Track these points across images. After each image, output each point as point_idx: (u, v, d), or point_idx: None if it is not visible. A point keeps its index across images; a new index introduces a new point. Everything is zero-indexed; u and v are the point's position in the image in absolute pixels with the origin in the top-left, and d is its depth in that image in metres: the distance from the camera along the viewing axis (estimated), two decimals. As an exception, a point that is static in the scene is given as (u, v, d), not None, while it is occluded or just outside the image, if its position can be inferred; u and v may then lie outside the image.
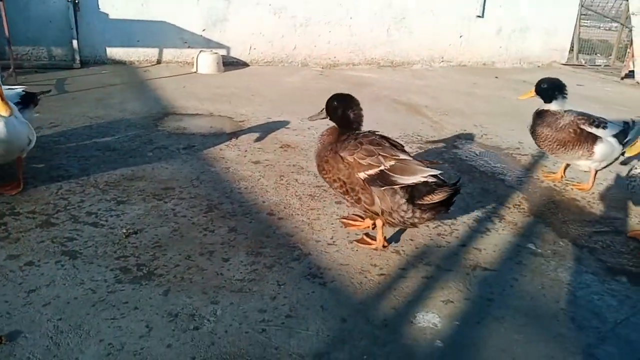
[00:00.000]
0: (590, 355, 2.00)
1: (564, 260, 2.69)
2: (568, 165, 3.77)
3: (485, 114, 5.75)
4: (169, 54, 7.40)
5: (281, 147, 4.18)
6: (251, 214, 2.97)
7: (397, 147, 2.56)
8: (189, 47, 7.40)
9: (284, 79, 7.04)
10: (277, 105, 5.50)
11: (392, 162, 2.40)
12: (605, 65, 10.25)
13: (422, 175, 2.35)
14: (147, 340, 1.91)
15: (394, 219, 2.48)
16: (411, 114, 5.57)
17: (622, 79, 8.65)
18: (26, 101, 3.23)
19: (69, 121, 4.43)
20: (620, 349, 2.04)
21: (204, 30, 7.43)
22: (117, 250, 2.50)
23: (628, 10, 8.85)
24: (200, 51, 7.13)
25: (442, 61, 9.14)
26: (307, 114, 3.24)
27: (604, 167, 3.55)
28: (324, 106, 2.77)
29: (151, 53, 7.31)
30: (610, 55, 10.68)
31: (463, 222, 3.04)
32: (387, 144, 2.52)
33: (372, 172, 2.42)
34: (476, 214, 3.17)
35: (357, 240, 2.73)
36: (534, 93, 3.60)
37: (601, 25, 12.15)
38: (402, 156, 2.45)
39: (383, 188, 2.42)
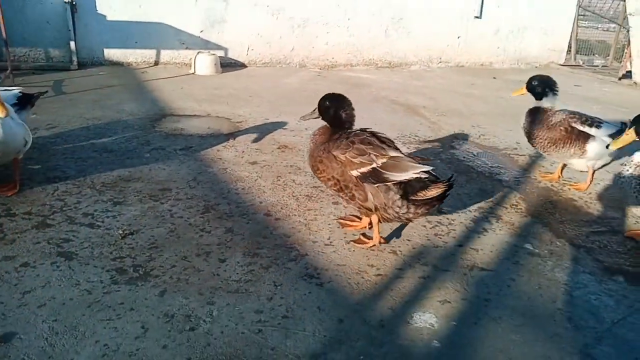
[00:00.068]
0: (587, 355, 1.99)
1: (561, 260, 2.69)
2: (565, 165, 3.77)
3: (483, 115, 5.75)
4: (166, 55, 7.40)
5: (278, 148, 4.18)
6: (248, 214, 2.97)
7: (388, 143, 2.61)
8: (186, 48, 7.40)
9: (282, 80, 7.04)
10: (275, 106, 5.50)
11: (384, 160, 2.45)
12: (603, 66, 10.27)
13: (414, 171, 2.40)
14: (143, 341, 1.91)
15: (389, 215, 2.53)
16: (409, 114, 5.57)
17: (620, 79, 8.66)
18: (23, 102, 3.22)
19: (66, 122, 4.43)
20: (617, 348, 2.04)
21: (201, 31, 7.43)
22: (113, 251, 2.49)
23: (625, 11, 8.86)
24: (198, 52, 7.13)
25: (440, 62, 9.15)
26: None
27: (602, 167, 3.55)
28: (316, 106, 2.80)
29: (149, 54, 7.31)
30: (608, 55, 10.70)
31: (460, 223, 3.03)
32: (378, 142, 2.56)
33: (364, 170, 2.47)
34: (473, 214, 3.17)
35: (354, 241, 2.73)
36: (525, 90, 3.66)
37: (599, 26, 12.17)
38: (394, 153, 2.51)
39: (376, 185, 2.46)
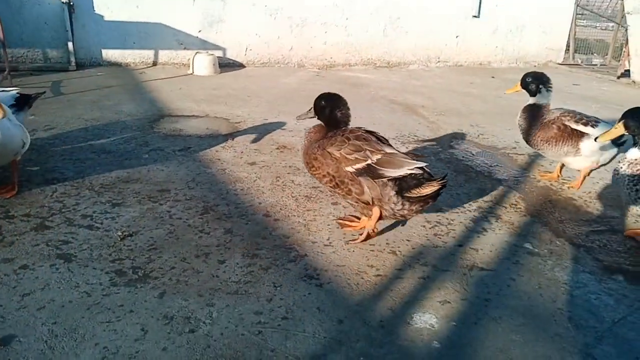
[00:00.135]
0: (587, 355, 1.99)
1: (561, 259, 2.69)
2: (564, 164, 3.77)
3: (481, 114, 5.75)
4: (164, 55, 7.38)
5: (277, 148, 4.17)
6: (247, 215, 2.96)
7: (383, 141, 2.65)
8: (184, 48, 7.39)
9: (280, 80, 7.03)
10: (274, 106, 5.50)
11: (379, 156, 2.49)
12: (601, 65, 10.27)
13: (409, 167, 2.45)
14: (143, 343, 1.90)
15: (385, 211, 2.57)
16: (408, 114, 5.56)
17: (618, 78, 8.66)
18: (21, 104, 3.21)
19: (64, 123, 4.42)
20: (617, 348, 2.04)
21: (199, 31, 7.42)
22: (112, 253, 2.48)
23: (623, 10, 8.86)
24: (196, 53, 7.12)
25: (439, 61, 9.15)
26: (302, 115, 3.25)
27: (600, 167, 3.54)
28: (312, 105, 2.83)
29: (147, 55, 7.30)
30: (607, 54, 10.70)
31: (460, 222, 3.03)
32: (373, 139, 2.60)
33: (359, 166, 2.51)
34: (473, 214, 3.17)
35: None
36: (519, 87, 3.70)
37: (597, 25, 12.18)
38: (389, 150, 2.54)
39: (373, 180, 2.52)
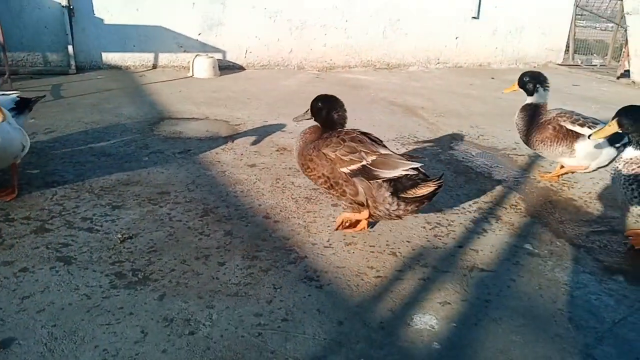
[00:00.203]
0: (588, 356, 1.99)
1: (561, 260, 2.68)
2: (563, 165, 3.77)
3: (481, 115, 5.75)
4: (164, 58, 7.40)
5: (277, 150, 4.17)
6: (247, 217, 2.96)
7: (378, 142, 2.66)
8: (184, 51, 7.41)
9: (280, 82, 7.04)
10: (273, 108, 5.50)
11: (374, 157, 2.50)
12: (601, 65, 10.27)
13: (404, 168, 2.46)
14: (143, 345, 1.90)
15: (380, 212, 2.58)
16: (407, 115, 5.57)
17: (618, 78, 8.66)
18: (21, 107, 3.22)
19: (65, 127, 4.42)
20: (618, 348, 2.03)
21: (199, 34, 7.43)
22: (112, 255, 2.48)
23: (623, 10, 8.87)
24: (196, 55, 7.13)
25: (438, 63, 9.15)
26: (302, 117, 3.25)
27: (599, 168, 3.54)
28: (308, 107, 2.85)
29: (147, 58, 7.31)
30: (606, 55, 10.70)
31: (460, 223, 3.03)
32: (368, 140, 2.61)
33: (354, 167, 2.52)
34: (473, 215, 3.16)
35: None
36: (517, 86, 3.72)
37: (597, 26, 12.19)
38: (383, 151, 2.55)
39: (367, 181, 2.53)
